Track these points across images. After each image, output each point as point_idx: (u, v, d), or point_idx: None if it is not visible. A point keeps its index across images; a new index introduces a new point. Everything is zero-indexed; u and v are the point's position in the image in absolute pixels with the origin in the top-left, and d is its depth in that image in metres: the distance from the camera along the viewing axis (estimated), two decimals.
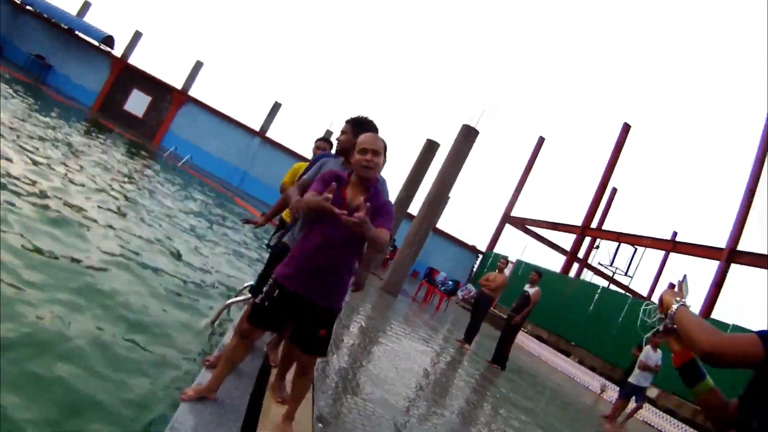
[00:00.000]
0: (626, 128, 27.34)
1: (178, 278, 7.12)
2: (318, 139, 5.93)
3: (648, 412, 13.81)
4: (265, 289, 3.31)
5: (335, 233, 3.18)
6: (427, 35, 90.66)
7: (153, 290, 6.13)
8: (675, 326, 1.90)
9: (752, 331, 1.66)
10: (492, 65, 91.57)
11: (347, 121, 4.20)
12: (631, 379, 10.01)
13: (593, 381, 16.06)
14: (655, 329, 2.05)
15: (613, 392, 14.22)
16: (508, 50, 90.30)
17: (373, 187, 3.34)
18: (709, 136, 77.50)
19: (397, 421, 4.65)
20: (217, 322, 5.82)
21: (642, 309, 2.10)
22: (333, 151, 5.74)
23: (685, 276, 2.07)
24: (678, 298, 1.92)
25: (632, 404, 10.24)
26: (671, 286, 2.03)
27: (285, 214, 6.41)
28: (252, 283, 6.78)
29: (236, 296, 6.37)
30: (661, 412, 13.87)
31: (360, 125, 4.04)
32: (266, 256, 5.31)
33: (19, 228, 5.87)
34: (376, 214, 3.17)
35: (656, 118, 77.61)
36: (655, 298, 30.37)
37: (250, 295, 6.07)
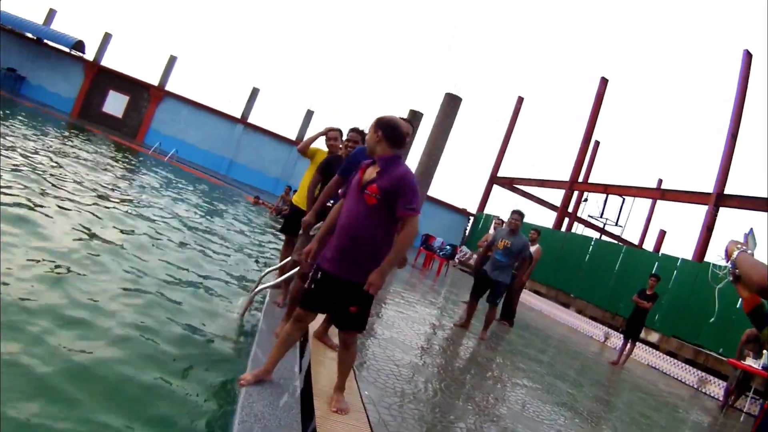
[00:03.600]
0: (604, 82, 27.54)
1: (192, 276, 7.38)
2: (350, 131, 6.20)
3: (651, 356, 14.33)
4: (310, 274, 3.61)
5: (358, 208, 3.47)
6: (403, 7, 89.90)
7: (176, 292, 6.35)
8: (738, 271, 2.09)
9: None
10: (470, 30, 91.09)
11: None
12: None
13: (596, 330, 16.57)
14: (725, 279, 2.21)
15: (616, 339, 14.72)
16: (479, 12, 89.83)
17: (383, 160, 3.54)
18: (688, 82, 77.78)
19: (431, 381, 5.02)
20: (246, 314, 6.08)
21: (712, 264, 2.29)
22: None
23: (751, 229, 2.24)
24: (739, 245, 2.10)
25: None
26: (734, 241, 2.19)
27: (296, 199, 6.69)
28: (271, 268, 7.09)
29: (257, 285, 6.61)
30: (663, 355, 14.37)
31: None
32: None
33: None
34: (389, 196, 3.42)
35: (633, 69, 77.71)
36: (646, 246, 30.86)
37: (272, 282, 6.36)
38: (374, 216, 3.44)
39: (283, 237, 7.06)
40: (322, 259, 3.56)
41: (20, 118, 18.26)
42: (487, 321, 8.63)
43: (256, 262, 9.95)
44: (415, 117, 17.61)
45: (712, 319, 13.28)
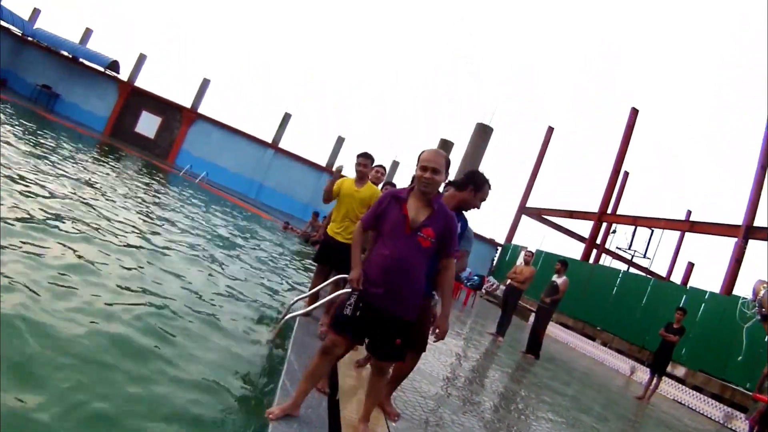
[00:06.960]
0: (634, 113, 27.50)
1: (218, 304, 7.52)
2: (378, 165, 6.60)
3: (677, 390, 14.14)
4: (349, 303, 3.59)
5: (409, 248, 3.50)
6: (434, 35, 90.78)
7: (205, 318, 6.46)
8: (764, 310, 2.18)
9: None
10: (501, 60, 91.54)
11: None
12: None
13: (622, 363, 16.39)
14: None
15: (642, 373, 14.56)
16: (514, 44, 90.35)
17: (436, 202, 3.58)
18: (717, 113, 77.14)
19: (456, 413, 5.10)
20: (275, 340, 6.18)
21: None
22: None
23: None
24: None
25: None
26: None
27: (330, 229, 6.81)
28: (301, 296, 7.21)
29: (287, 312, 6.71)
30: (689, 389, 14.17)
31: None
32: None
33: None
34: (442, 239, 3.54)
35: (664, 100, 77.37)
36: (674, 279, 30.40)
37: (304, 310, 6.47)
38: (425, 256, 3.54)
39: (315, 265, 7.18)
40: (370, 294, 3.54)
41: (51, 135, 18.72)
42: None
43: (286, 287, 10.07)
44: (445, 146, 17.87)
45: (740, 357, 13.14)
